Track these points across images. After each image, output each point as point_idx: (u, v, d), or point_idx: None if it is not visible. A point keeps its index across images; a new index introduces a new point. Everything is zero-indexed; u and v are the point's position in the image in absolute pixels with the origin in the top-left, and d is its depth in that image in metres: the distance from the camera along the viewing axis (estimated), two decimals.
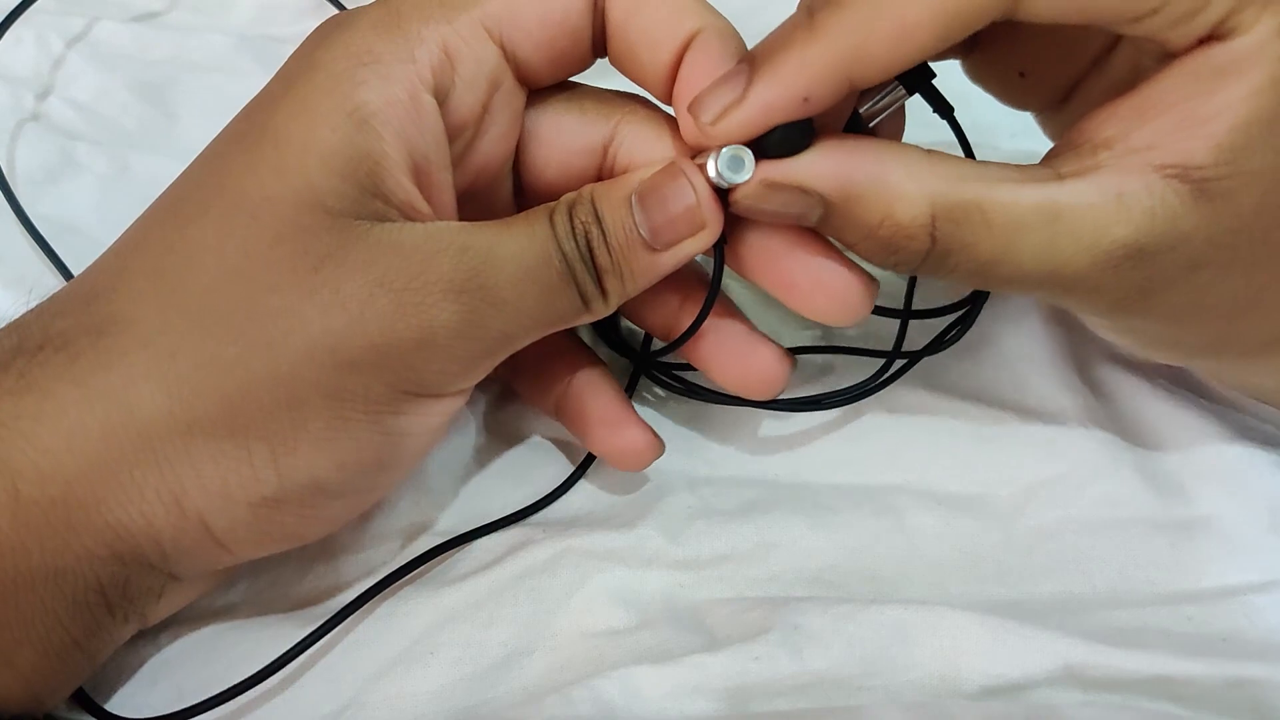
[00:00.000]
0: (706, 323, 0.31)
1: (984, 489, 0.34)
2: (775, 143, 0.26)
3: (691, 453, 0.36)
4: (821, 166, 0.26)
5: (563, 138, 0.30)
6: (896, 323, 0.35)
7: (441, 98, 0.28)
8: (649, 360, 0.36)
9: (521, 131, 0.30)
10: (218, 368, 0.25)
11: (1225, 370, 0.33)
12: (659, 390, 0.37)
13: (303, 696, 0.29)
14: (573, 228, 0.28)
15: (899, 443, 0.35)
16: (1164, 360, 0.32)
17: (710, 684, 0.28)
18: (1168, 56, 0.26)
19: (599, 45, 0.29)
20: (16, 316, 0.28)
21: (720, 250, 0.29)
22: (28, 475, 0.25)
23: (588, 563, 0.32)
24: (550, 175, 0.31)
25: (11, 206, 0.41)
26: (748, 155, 0.27)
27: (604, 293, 0.28)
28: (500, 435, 0.36)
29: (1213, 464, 0.33)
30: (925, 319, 0.36)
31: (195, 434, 0.26)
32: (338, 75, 0.26)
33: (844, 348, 0.38)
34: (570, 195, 0.29)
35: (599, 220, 0.28)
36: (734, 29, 0.28)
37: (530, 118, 0.30)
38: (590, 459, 0.35)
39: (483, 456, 0.36)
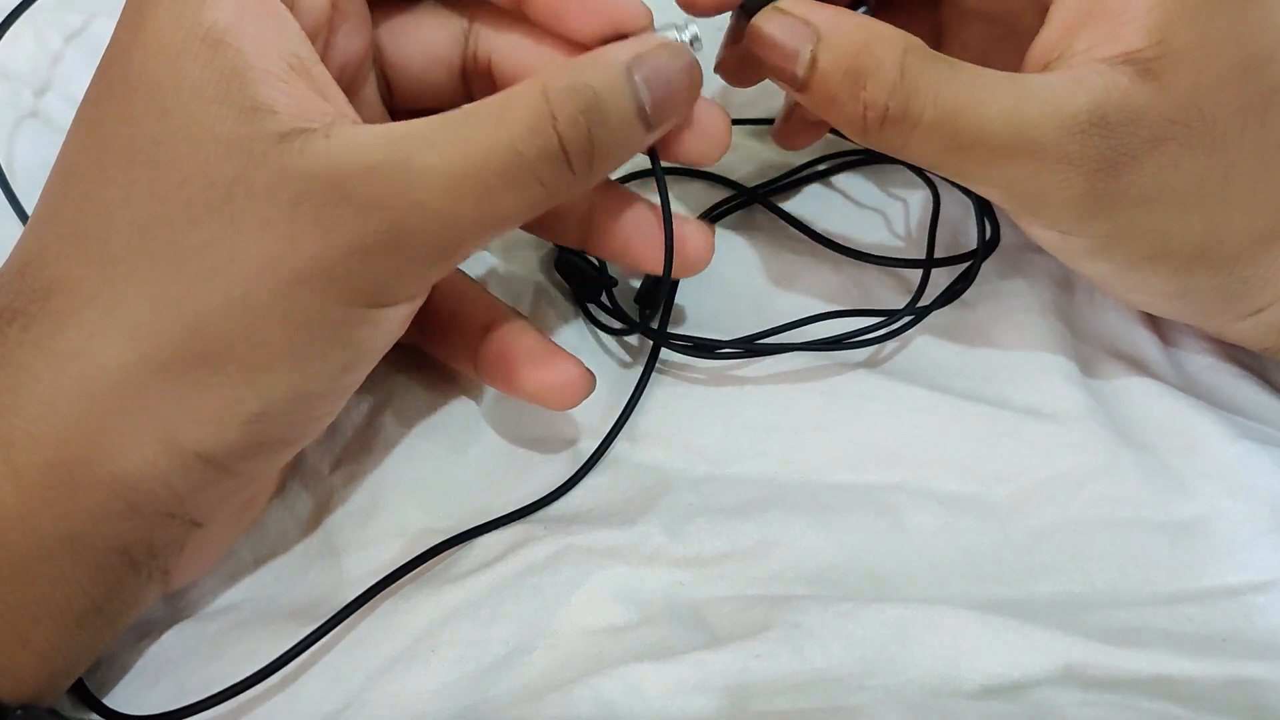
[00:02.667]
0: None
1: (984, 488, 0.34)
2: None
3: (693, 451, 0.36)
4: (820, 7, 0.29)
5: (423, 30, 0.32)
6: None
7: (289, 1, 0.27)
8: (658, 330, 0.36)
9: (382, 31, 0.32)
10: (167, 306, 0.26)
11: (1225, 296, 0.32)
12: (659, 393, 0.37)
13: (304, 694, 0.29)
14: (554, 119, 0.26)
15: (899, 442, 0.35)
16: (1161, 283, 0.32)
17: (711, 682, 0.29)
18: None
19: None
20: None
21: (654, 152, 0.31)
22: (21, 443, 0.25)
23: (589, 560, 0.32)
24: (415, 69, 0.32)
25: (10, 203, 0.41)
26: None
27: (578, 177, 0.27)
28: (501, 433, 0.36)
29: (1213, 463, 0.33)
30: (946, 265, 0.38)
31: (169, 371, 0.26)
32: (179, 2, 0.26)
33: (855, 310, 0.38)
34: (529, 87, 0.26)
35: (597, 100, 0.27)
36: None
37: (387, 19, 0.32)
38: (594, 458, 0.35)
39: (483, 454, 0.36)
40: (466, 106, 0.27)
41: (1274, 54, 0.29)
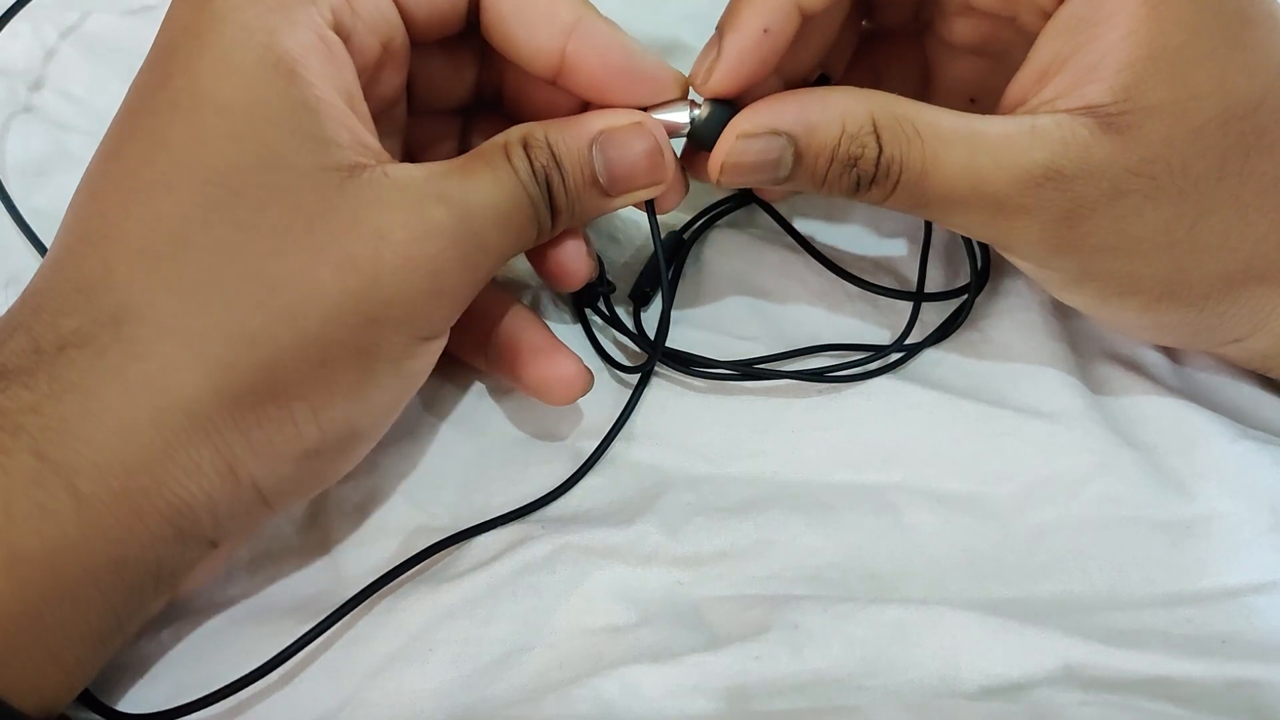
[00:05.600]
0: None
1: (983, 487, 0.34)
2: (705, 123, 0.31)
3: (691, 451, 0.36)
4: (781, 108, 0.30)
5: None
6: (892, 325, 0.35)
7: (344, 37, 0.28)
8: (659, 349, 0.36)
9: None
10: (246, 340, 0.26)
11: (1199, 328, 0.32)
12: (657, 393, 0.37)
13: (302, 692, 0.29)
14: (533, 170, 0.29)
15: (898, 441, 0.35)
16: (1134, 317, 0.32)
17: (710, 683, 0.29)
18: (1045, 15, 0.30)
19: (473, 14, 0.31)
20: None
21: (651, 206, 0.33)
22: (86, 473, 0.25)
23: (586, 559, 0.32)
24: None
25: (1, 199, 0.41)
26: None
27: (554, 226, 0.31)
28: (498, 433, 0.36)
29: (1213, 463, 0.33)
30: (936, 301, 0.38)
31: (240, 405, 0.26)
32: (249, 26, 0.26)
33: (846, 344, 0.38)
34: (517, 133, 0.30)
35: (558, 164, 0.30)
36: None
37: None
38: (593, 458, 0.35)
39: (481, 453, 0.36)
40: (478, 150, 0.29)
41: (1263, 99, 0.29)
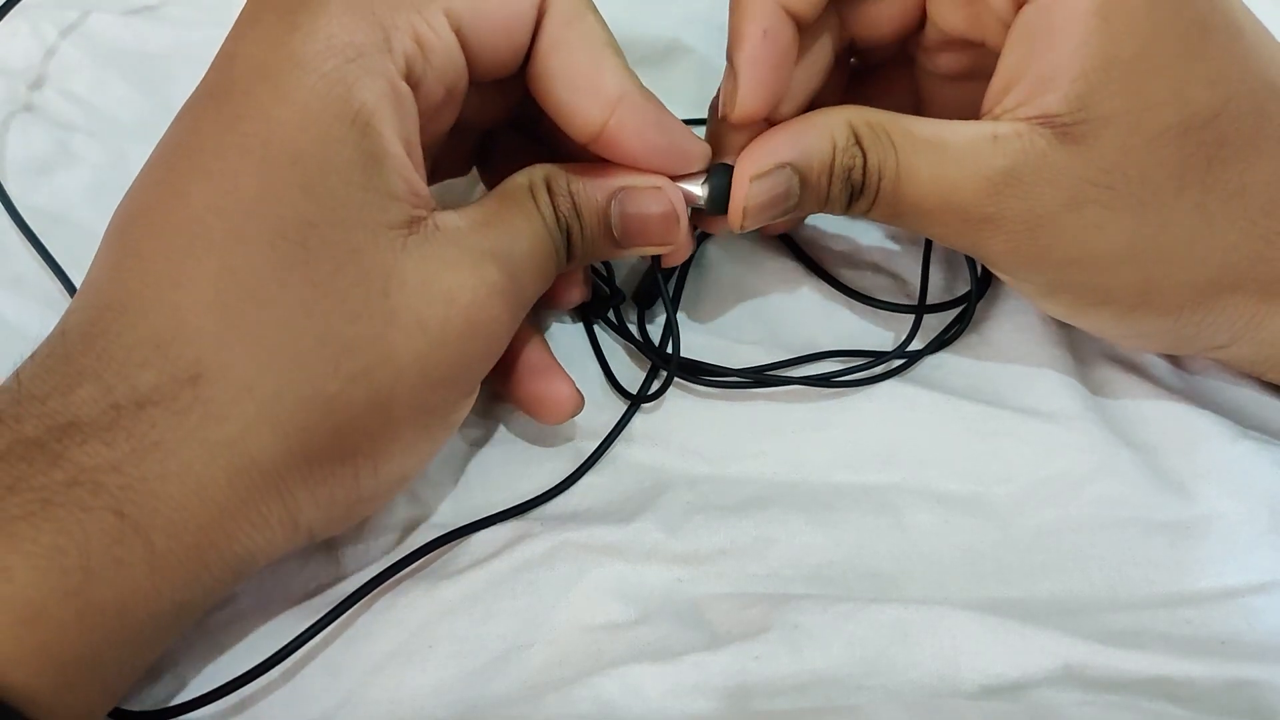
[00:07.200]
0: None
1: (983, 487, 0.34)
2: (715, 190, 0.31)
3: (691, 451, 0.36)
4: (776, 142, 0.31)
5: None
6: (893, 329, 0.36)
7: (413, 84, 0.28)
8: (674, 359, 0.36)
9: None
10: (322, 404, 0.26)
11: (1180, 337, 0.32)
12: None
13: (303, 689, 0.29)
14: (556, 215, 0.30)
15: (898, 441, 0.35)
16: (1111, 326, 0.33)
17: (710, 682, 0.29)
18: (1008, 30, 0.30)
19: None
20: (54, 346, 0.26)
21: (657, 260, 0.34)
22: (162, 529, 0.25)
23: (585, 556, 0.32)
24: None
25: (1, 200, 0.41)
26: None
27: (568, 266, 0.32)
28: (498, 430, 0.36)
29: (1213, 463, 0.33)
30: (938, 311, 0.38)
31: (312, 465, 0.26)
32: (329, 75, 0.26)
33: (850, 350, 0.38)
34: (540, 174, 0.31)
35: (578, 212, 0.31)
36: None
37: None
38: (594, 457, 0.35)
39: (480, 451, 0.36)
40: (502, 192, 0.30)
41: (1222, 109, 0.29)
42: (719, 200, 0.31)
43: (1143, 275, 0.30)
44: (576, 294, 0.36)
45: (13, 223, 0.41)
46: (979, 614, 0.29)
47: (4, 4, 0.44)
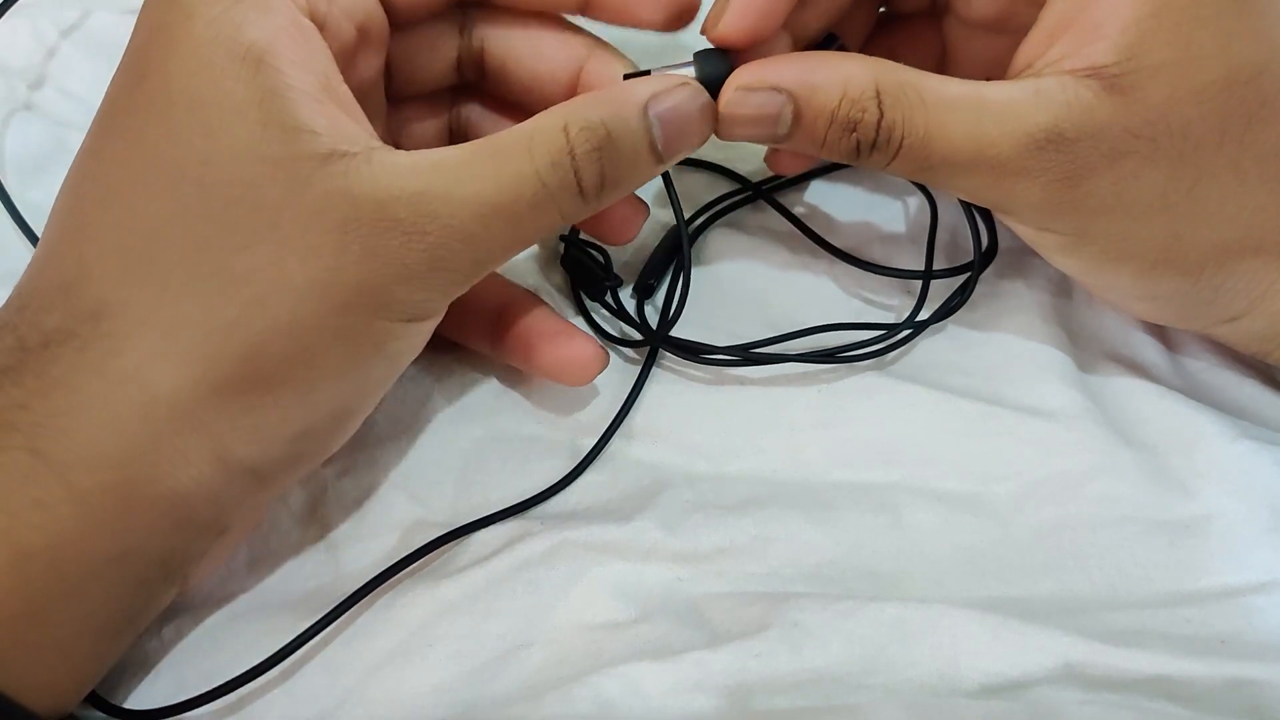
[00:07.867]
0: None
1: (983, 486, 0.34)
2: (705, 80, 0.30)
3: (690, 449, 0.36)
4: (784, 66, 0.30)
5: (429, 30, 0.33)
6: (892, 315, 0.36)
7: (319, 23, 0.28)
8: (663, 334, 0.37)
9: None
10: (220, 331, 0.26)
11: (1194, 302, 0.32)
12: (657, 390, 0.37)
13: (302, 688, 0.29)
14: (572, 154, 0.28)
15: (898, 439, 0.35)
16: (1129, 284, 0.32)
17: (711, 681, 0.28)
18: None
19: None
20: None
21: (668, 175, 0.33)
22: (78, 467, 0.25)
23: (585, 555, 0.32)
24: (419, 60, 0.34)
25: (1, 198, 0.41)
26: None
27: (601, 202, 0.30)
28: (498, 428, 0.36)
29: (1213, 462, 0.33)
30: (944, 277, 0.39)
31: (223, 393, 0.26)
32: (217, 20, 0.26)
33: (853, 324, 0.38)
34: (557, 118, 0.28)
35: (610, 137, 0.28)
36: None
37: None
38: (592, 454, 0.35)
39: (480, 450, 0.36)
40: (494, 137, 0.28)
41: (1266, 66, 0.29)
42: (710, 89, 0.30)
43: (1171, 229, 0.30)
44: (638, 215, 0.35)
45: (12, 220, 0.41)
46: (979, 612, 0.29)
47: (4, 3, 0.44)
